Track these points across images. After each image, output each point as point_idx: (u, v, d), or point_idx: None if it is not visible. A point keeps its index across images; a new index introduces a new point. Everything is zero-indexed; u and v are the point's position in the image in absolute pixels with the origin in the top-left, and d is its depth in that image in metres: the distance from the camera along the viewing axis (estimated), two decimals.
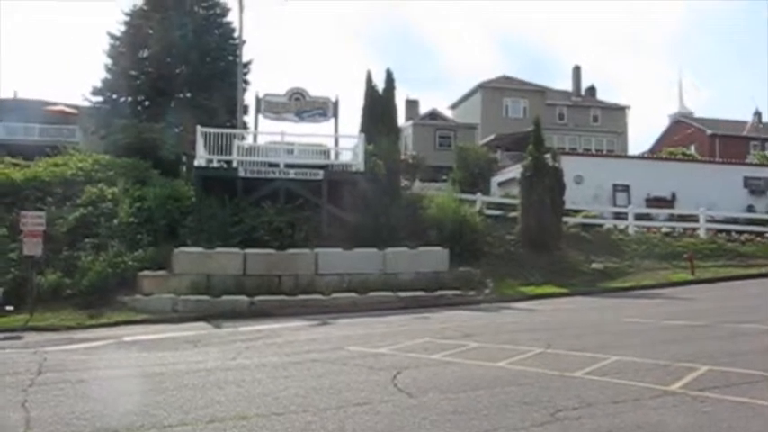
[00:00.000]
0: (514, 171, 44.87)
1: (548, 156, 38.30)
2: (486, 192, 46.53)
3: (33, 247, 28.16)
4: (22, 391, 13.38)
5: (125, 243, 31.08)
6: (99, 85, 56.40)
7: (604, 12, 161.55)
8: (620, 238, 40.23)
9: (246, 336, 20.83)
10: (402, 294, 29.05)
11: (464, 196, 39.46)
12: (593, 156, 61.97)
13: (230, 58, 55.06)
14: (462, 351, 16.30)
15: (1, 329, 24.93)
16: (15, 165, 39.04)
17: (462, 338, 18.41)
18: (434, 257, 31.67)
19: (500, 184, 50.69)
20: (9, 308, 28.16)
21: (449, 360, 15.25)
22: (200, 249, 29.90)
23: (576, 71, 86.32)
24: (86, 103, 57.41)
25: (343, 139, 38.75)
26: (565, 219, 38.50)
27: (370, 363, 15.17)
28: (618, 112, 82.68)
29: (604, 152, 70.38)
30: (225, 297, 27.90)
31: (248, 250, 30.05)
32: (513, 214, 38.65)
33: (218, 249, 29.94)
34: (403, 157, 47.21)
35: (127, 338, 21.49)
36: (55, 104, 61.01)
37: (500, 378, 13.23)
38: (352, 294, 28.87)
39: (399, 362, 15.06)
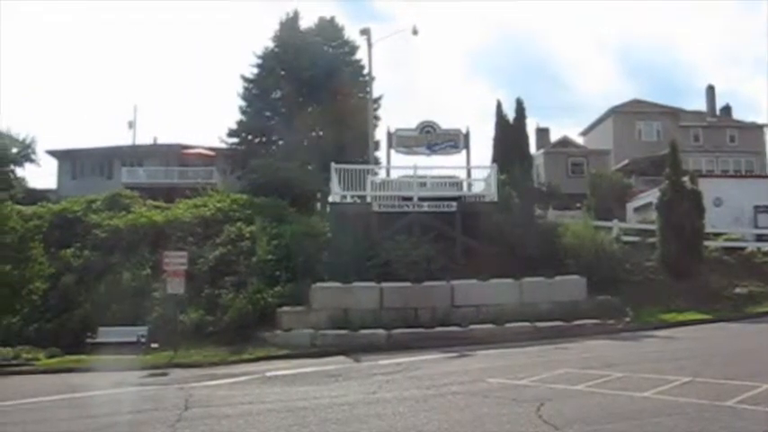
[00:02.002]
0: (651, 195, 43.93)
1: (685, 179, 37.38)
2: (622, 218, 45.63)
3: (176, 286, 28.94)
4: (169, 427, 13.76)
5: (264, 280, 31.65)
6: (234, 126, 57.88)
7: (734, 30, 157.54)
8: (765, 260, 38.85)
9: (386, 369, 20.90)
10: (540, 324, 28.68)
11: (600, 223, 38.77)
12: (732, 177, 60.09)
13: (360, 94, 55.72)
14: (606, 381, 16.01)
15: (147, 366, 25.73)
16: (157, 207, 40.36)
17: (605, 368, 18.07)
18: (572, 286, 31.21)
19: (636, 210, 49.67)
20: (154, 345, 29.04)
21: (593, 391, 15.00)
22: (337, 284, 30.18)
23: (710, 91, 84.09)
24: (223, 145, 59.02)
25: (475, 170, 38.64)
26: (705, 243, 37.36)
27: (512, 394, 15.03)
28: (755, 131, 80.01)
29: (743, 173, 68.25)
30: (362, 331, 28.05)
31: (384, 284, 30.19)
32: (651, 240, 37.74)
33: (355, 284, 30.16)
34: (536, 185, 46.84)
35: (269, 373, 21.83)
36: (192, 148, 62.72)
37: (647, 409, 12.93)
38: (489, 326, 28.65)
39: (542, 393, 14.88)
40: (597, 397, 14.29)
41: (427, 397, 15.38)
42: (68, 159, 68.61)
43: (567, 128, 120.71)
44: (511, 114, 38.42)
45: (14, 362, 28.37)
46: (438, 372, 19.74)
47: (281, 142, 55.74)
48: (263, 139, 56.66)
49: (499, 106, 38.35)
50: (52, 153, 67.51)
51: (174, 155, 63.61)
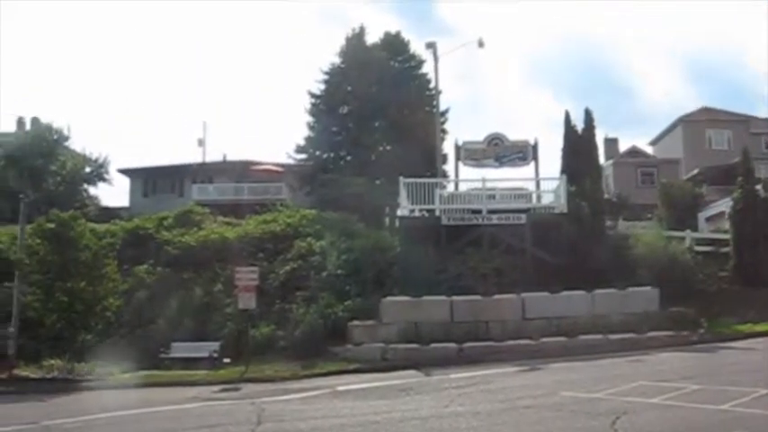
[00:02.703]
0: (723, 205, 43.21)
1: (758, 187, 36.71)
2: (694, 228, 44.87)
3: (248, 302, 29.19)
4: None
5: (334, 294, 31.77)
6: (302, 142, 58.21)
7: None
8: None
9: (457, 383, 20.80)
10: (612, 337, 28.31)
11: (671, 233, 38.19)
12: None
13: (427, 108, 55.70)
14: (682, 394, 15.74)
15: (220, 381, 25.97)
16: (227, 223, 40.83)
17: (680, 381, 17.78)
18: (644, 298, 30.75)
19: (708, 219, 48.86)
20: (226, 360, 29.30)
21: (669, 404, 14.76)
22: (407, 298, 30.16)
23: None
24: (291, 161, 59.34)
25: (544, 182, 38.38)
26: None
27: (585, 408, 14.86)
28: None
29: None
30: (433, 344, 27.95)
31: (455, 297, 30.08)
32: (724, 250, 37.08)
33: (425, 297, 30.09)
34: (606, 196, 46.34)
35: (340, 387, 21.87)
36: (261, 164, 63.10)
37: (725, 422, 12.70)
38: (561, 338, 28.38)
39: (617, 406, 14.68)
40: (673, 410, 14.07)
41: (500, 411, 15.27)
42: (140, 177, 69.52)
43: (635, 137, 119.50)
44: (579, 124, 38.04)
45: (90, 377, 28.80)
46: (510, 385, 19.61)
47: (348, 157, 55.90)
48: (331, 155, 56.88)
49: (567, 116, 37.98)
50: (124, 171, 68.48)
51: (244, 171, 64.02)
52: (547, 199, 37.20)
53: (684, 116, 75.75)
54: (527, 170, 39.05)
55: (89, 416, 19.64)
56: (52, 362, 30.14)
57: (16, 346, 31.27)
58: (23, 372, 30.18)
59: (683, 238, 38.43)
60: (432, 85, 53.94)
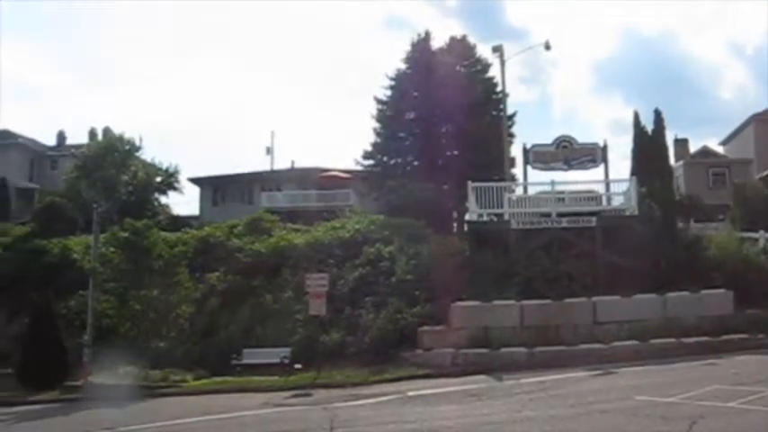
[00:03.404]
0: None
1: None
2: None
3: (318, 308, 29.34)
4: None
5: (403, 299, 31.74)
6: (370, 148, 58.33)
7: None
8: None
9: (529, 388, 20.68)
10: (685, 340, 27.85)
11: (745, 234, 37.50)
12: None
13: (494, 112, 55.53)
14: (759, 398, 15.45)
15: (291, 387, 26.13)
16: (296, 230, 41.06)
17: (757, 385, 17.46)
18: (718, 300, 30.21)
19: None
20: (297, 366, 29.46)
21: (746, 408, 14.49)
22: (476, 303, 30.02)
23: None
24: (359, 167, 59.50)
25: (614, 184, 37.92)
26: None
27: (661, 412, 14.65)
28: None
29: None
30: (503, 349, 27.80)
31: (525, 302, 29.87)
32: None
33: (495, 302, 29.93)
34: (676, 197, 45.73)
35: (411, 393, 21.86)
36: (329, 171, 63.48)
37: None
38: (633, 342, 27.97)
39: (693, 411, 14.45)
40: (752, 414, 13.82)
41: (574, 416, 15.13)
42: (210, 186, 70.34)
43: (705, 138, 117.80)
44: (648, 126, 37.61)
45: (163, 384, 29.22)
46: (583, 390, 19.44)
47: (416, 163, 55.85)
48: (399, 160, 56.88)
49: (637, 118, 37.69)
50: (194, 180, 69.35)
51: (312, 178, 64.46)
52: (617, 201, 36.79)
53: (757, 114, 74.30)
54: (596, 173, 38.72)
55: (162, 422, 19.93)
56: (126, 369, 30.58)
57: (91, 354, 31.84)
58: (98, 378, 30.68)
59: (756, 240, 37.71)
60: (498, 88, 53.74)
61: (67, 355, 32.85)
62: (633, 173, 35.91)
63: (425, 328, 29.92)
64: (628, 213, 34.82)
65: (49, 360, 31.79)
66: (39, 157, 76.60)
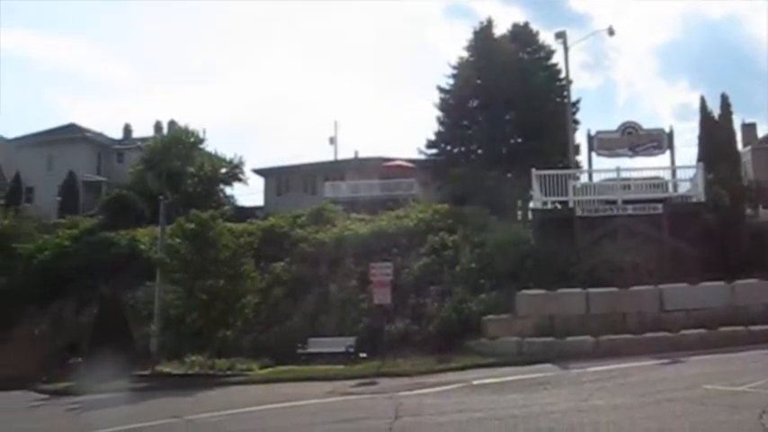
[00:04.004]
0: None
1: None
2: None
3: (383, 297, 29.36)
4: None
5: (468, 288, 31.71)
6: (433, 137, 58.16)
7: None
8: None
9: (595, 376, 20.49)
10: (754, 328, 27.30)
11: None
12: None
13: (557, 99, 55.01)
14: None
15: (356, 376, 26.20)
16: (360, 220, 41.17)
17: None
18: None
19: None
20: (362, 355, 29.61)
21: None
22: (541, 291, 29.83)
23: None
24: (422, 157, 59.37)
25: (680, 170, 37.38)
26: None
27: (730, 401, 14.42)
28: None
29: None
30: (569, 338, 27.58)
31: (590, 290, 29.60)
32: None
33: (560, 290, 29.72)
34: (745, 183, 44.96)
35: (476, 382, 21.78)
36: (392, 160, 63.38)
37: None
38: (701, 330, 27.54)
39: (763, 400, 14.19)
40: None
41: (641, 404, 14.97)
42: (274, 177, 70.66)
43: None
44: (715, 111, 36.97)
45: (229, 373, 29.51)
46: (650, 378, 19.22)
47: (479, 151, 55.54)
48: (462, 149, 56.58)
49: (703, 103, 37.13)
50: (258, 171, 69.73)
51: (375, 168, 64.40)
52: (683, 188, 36.27)
53: None
54: (662, 159, 38.21)
55: (230, 410, 20.10)
56: (193, 358, 31.01)
57: (159, 343, 32.30)
58: (166, 368, 31.17)
59: None
60: (562, 75, 53.23)
61: (135, 345, 33.39)
62: (700, 159, 35.36)
63: (490, 316, 29.83)
64: (695, 200, 34.36)
65: (118, 349, 32.26)
66: (105, 150, 77.70)
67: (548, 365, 24.37)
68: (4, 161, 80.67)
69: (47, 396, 30.32)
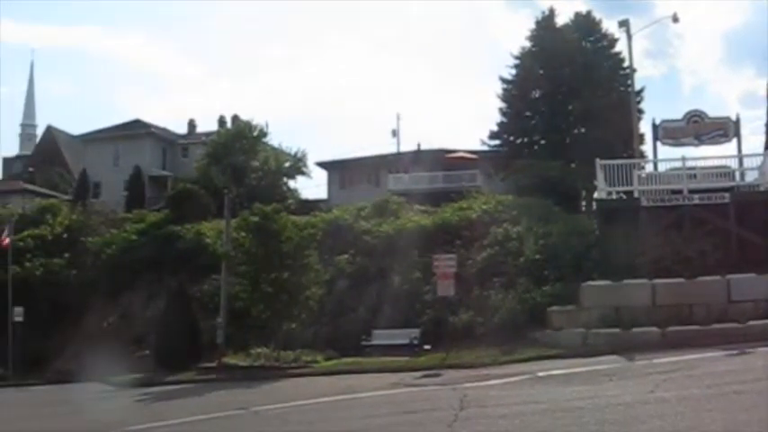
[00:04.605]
0: None
1: None
2: None
3: (446, 289, 29.36)
4: (447, 426, 13.97)
5: (532, 279, 31.58)
6: (495, 128, 58.02)
7: None
8: None
9: (662, 368, 20.26)
10: None
11: None
12: None
13: (621, 88, 54.51)
14: None
15: (421, 367, 26.29)
16: (423, 212, 41.22)
17: None
18: None
19: None
20: (427, 347, 29.67)
21: None
22: (606, 282, 29.58)
23: None
24: (485, 148, 59.27)
25: (747, 159, 36.79)
26: None
27: None
28: None
29: None
30: (634, 329, 27.27)
31: (656, 280, 29.24)
32: None
33: (625, 281, 29.41)
34: None
35: (540, 373, 21.69)
36: (455, 152, 63.38)
37: None
38: None
39: None
40: None
41: (709, 396, 14.79)
42: (337, 170, 71.06)
43: None
44: None
45: (295, 364, 29.78)
46: (718, 370, 18.96)
47: (542, 141, 55.34)
48: (525, 140, 56.40)
49: None
50: (322, 165, 70.17)
51: (438, 160, 64.44)
52: (751, 177, 35.70)
53: None
54: (728, 147, 37.65)
55: (295, 402, 20.29)
56: (259, 350, 31.38)
57: (225, 336, 32.66)
58: (232, 360, 31.58)
59: None
60: (625, 64, 52.72)
61: (202, 337, 33.87)
62: (767, 147, 34.72)
63: (555, 308, 29.69)
64: (762, 188, 33.80)
65: (184, 342, 32.79)
66: (170, 145, 78.78)
67: (613, 357, 24.14)
68: (72, 157, 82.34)
69: (116, 388, 30.80)
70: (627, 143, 46.55)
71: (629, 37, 46.25)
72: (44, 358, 37.21)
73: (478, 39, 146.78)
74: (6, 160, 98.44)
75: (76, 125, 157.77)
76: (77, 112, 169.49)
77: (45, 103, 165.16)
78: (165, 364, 32.64)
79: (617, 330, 27.42)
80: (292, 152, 60.63)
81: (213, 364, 31.63)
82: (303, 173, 61.53)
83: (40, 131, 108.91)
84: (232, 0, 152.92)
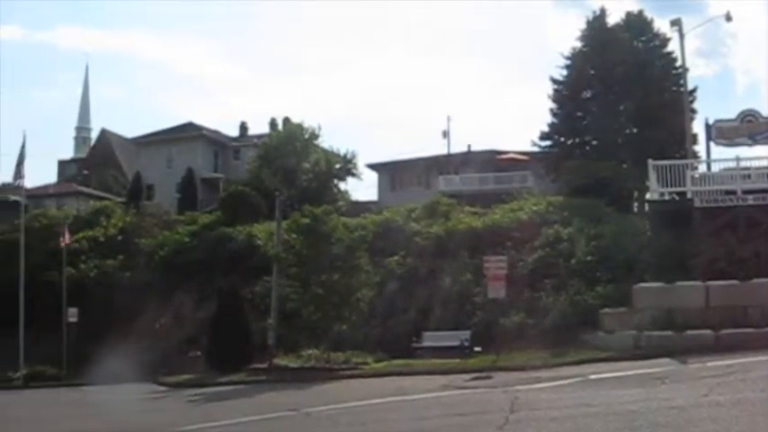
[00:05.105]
0: None
1: None
2: None
3: (497, 290, 29.23)
4: (497, 429, 13.93)
5: (584, 281, 31.43)
6: (546, 129, 57.76)
7: None
8: None
9: (715, 371, 20.00)
10: None
11: None
12: None
13: (674, 88, 53.96)
14: None
15: (471, 369, 26.20)
16: (474, 213, 41.15)
17: None
18: None
19: None
20: (477, 349, 29.61)
21: None
22: (659, 284, 29.24)
23: None
24: (535, 149, 59.05)
25: None
26: None
27: None
28: None
29: None
30: (688, 332, 26.93)
31: (710, 282, 28.86)
32: None
33: (678, 283, 29.04)
34: None
35: (592, 376, 21.54)
36: (505, 153, 63.25)
37: None
38: None
39: None
40: None
41: (763, 400, 14.62)
42: (387, 171, 71.17)
43: None
44: None
45: (345, 366, 29.85)
46: None
47: (594, 142, 55.01)
48: (576, 141, 56.12)
49: None
50: (372, 166, 70.24)
51: (488, 161, 64.38)
52: None
53: None
54: None
55: (346, 403, 20.35)
56: (309, 351, 31.52)
57: (276, 337, 32.86)
58: (283, 361, 31.72)
59: None
60: (677, 63, 52.19)
61: (253, 339, 34.07)
62: None
63: (607, 310, 29.45)
64: None
65: (236, 343, 33.01)
66: (222, 147, 79.38)
67: (666, 360, 23.89)
68: (126, 160, 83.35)
69: (168, 388, 31.15)
70: (679, 143, 46.07)
71: (682, 36, 45.73)
72: (97, 358, 37.66)
73: (527, 39, 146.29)
74: (61, 163, 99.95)
75: (129, 128, 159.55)
76: (129, 115, 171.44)
77: (98, 106, 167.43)
78: (217, 365, 32.91)
79: (670, 333, 27.09)
80: (342, 154, 60.80)
81: (264, 366, 31.80)
82: (353, 174, 61.65)
83: (94, 135, 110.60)
84: (279, 1, 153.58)
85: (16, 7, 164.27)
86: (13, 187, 49.51)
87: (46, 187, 78.84)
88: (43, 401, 30.04)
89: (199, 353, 35.48)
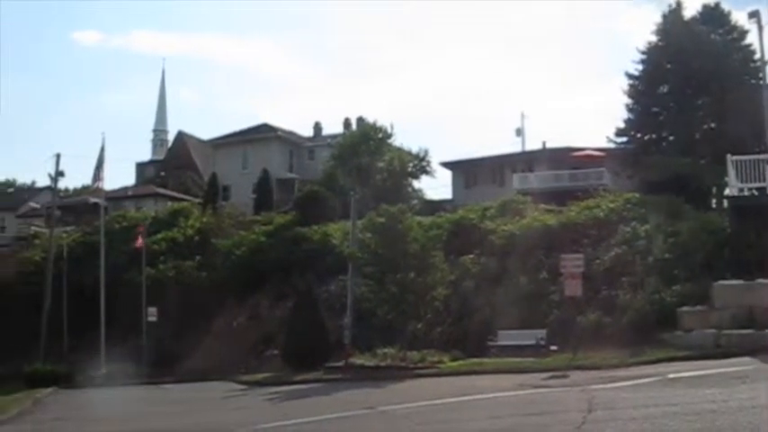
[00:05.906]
0: None
1: None
2: None
3: (574, 289, 29.02)
4: (576, 429, 13.83)
5: (661, 279, 30.99)
6: (622, 125, 57.13)
7: None
8: None
9: None
10: None
11: None
12: None
13: (752, 81, 52.94)
14: None
15: (547, 369, 26.01)
16: (549, 211, 40.86)
17: None
18: None
19: None
20: (553, 347, 29.36)
21: None
22: (739, 282, 28.71)
23: None
24: (611, 145, 58.43)
25: None
26: None
27: None
28: None
29: None
30: None
31: None
32: None
33: (759, 280, 28.48)
34: None
35: (671, 375, 21.25)
36: (581, 150, 62.63)
37: None
38: None
39: None
40: None
41: None
42: (461, 170, 71.00)
43: None
44: None
45: (421, 365, 29.86)
46: None
47: (671, 138, 54.25)
48: (653, 136, 55.37)
49: None
50: (446, 165, 70.17)
51: (563, 158, 63.83)
52: None
53: None
54: None
55: (421, 402, 20.39)
56: (385, 350, 31.58)
57: (351, 336, 33.04)
58: (358, 359, 31.83)
59: None
60: (756, 56, 51.17)
61: (329, 337, 34.28)
62: None
63: (685, 308, 28.99)
64: None
65: (312, 342, 33.26)
66: (297, 148, 80.00)
67: (746, 359, 23.44)
68: (202, 161, 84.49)
69: (245, 386, 31.51)
70: (759, 138, 45.06)
71: (760, 28, 44.72)
72: (176, 357, 38.37)
73: (601, 35, 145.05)
74: (140, 165, 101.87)
75: (204, 130, 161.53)
76: (205, 118, 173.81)
77: (175, 108, 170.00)
78: (293, 363, 33.21)
79: (750, 331, 26.58)
80: (415, 152, 60.82)
81: (340, 364, 31.98)
82: (427, 173, 61.62)
83: (171, 137, 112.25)
84: (353, 3, 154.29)
85: (93, 12, 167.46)
86: (93, 190, 50.67)
87: (125, 189, 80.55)
88: (126, 399, 30.56)
89: (275, 351, 35.84)
